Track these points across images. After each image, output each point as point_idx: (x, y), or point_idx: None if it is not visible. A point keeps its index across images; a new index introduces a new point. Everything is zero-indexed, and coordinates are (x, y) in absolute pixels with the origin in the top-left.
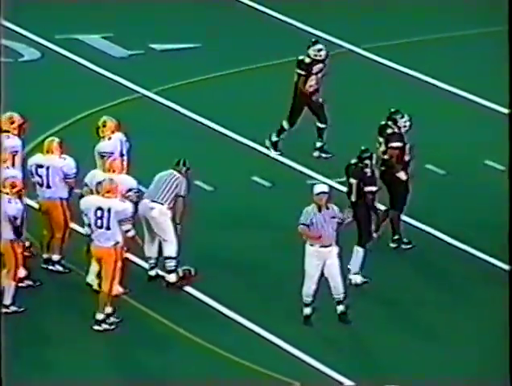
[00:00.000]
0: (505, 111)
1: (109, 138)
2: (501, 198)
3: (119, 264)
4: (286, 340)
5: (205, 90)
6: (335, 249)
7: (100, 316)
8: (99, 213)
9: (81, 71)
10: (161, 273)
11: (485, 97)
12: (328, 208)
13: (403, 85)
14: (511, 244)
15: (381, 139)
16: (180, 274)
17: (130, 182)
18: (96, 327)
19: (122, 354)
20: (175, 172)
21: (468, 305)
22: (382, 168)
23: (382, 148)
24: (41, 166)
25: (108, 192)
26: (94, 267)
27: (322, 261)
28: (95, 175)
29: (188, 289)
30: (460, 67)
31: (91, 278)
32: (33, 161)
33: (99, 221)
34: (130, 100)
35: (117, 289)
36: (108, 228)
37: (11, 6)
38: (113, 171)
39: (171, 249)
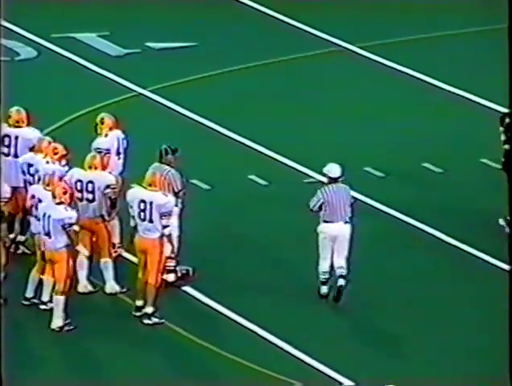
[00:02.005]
0: (505, 110)
1: (106, 135)
2: (500, 197)
3: (164, 255)
4: (287, 341)
5: (202, 89)
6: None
7: (150, 309)
8: (142, 205)
9: (77, 70)
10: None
11: (482, 96)
12: None
13: (400, 84)
14: (511, 244)
15: (501, 128)
16: (179, 274)
17: (109, 178)
18: (146, 321)
19: (121, 353)
20: (162, 166)
21: (468, 305)
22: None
23: (503, 138)
24: (31, 165)
25: (150, 185)
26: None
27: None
28: (74, 173)
29: (187, 288)
30: (458, 65)
31: (83, 284)
32: (24, 159)
33: (142, 213)
34: (127, 98)
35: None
36: (150, 221)
37: (7, 4)
38: (95, 168)
39: (170, 249)
